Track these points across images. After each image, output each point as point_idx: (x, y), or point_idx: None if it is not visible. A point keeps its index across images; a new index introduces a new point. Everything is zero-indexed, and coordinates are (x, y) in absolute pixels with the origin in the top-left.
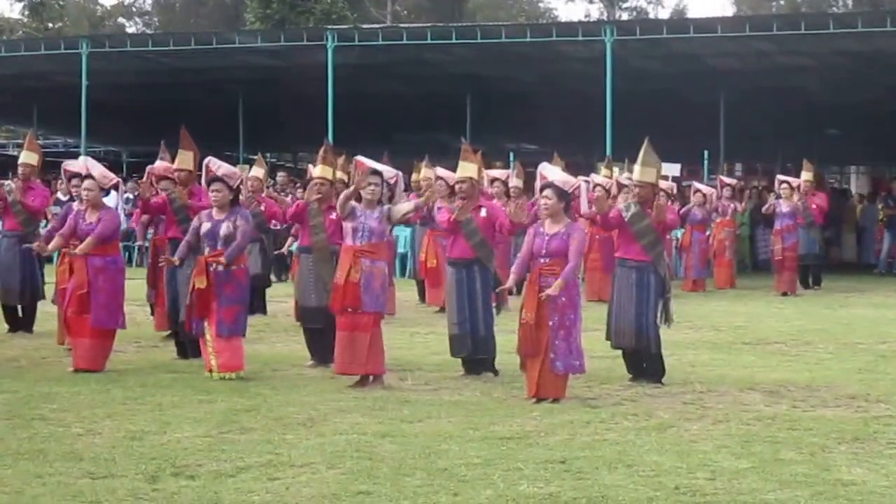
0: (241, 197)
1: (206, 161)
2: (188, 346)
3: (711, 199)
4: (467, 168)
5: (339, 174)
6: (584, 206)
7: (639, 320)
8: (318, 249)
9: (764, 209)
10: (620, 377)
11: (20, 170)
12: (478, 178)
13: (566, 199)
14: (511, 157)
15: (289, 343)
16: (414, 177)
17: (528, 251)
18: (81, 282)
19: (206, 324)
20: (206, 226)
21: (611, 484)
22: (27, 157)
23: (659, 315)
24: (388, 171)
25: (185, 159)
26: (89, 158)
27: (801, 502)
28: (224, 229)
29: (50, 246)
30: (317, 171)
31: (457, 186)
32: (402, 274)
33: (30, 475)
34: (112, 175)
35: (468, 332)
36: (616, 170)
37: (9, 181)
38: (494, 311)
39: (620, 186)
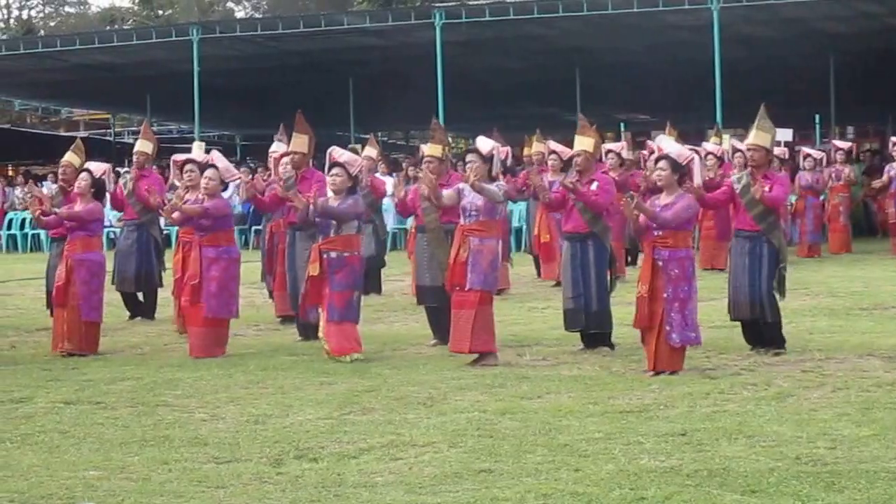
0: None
1: (329, 150)
2: (310, 328)
3: (822, 163)
4: (583, 142)
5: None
6: (697, 179)
7: (752, 290)
8: (430, 230)
9: (875, 183)
10: (738, 347)
11: (135, 158)
12: (593, 152)
13: (680, 170)
14: (622, 128)
15: (407, 322)
16: (525, 151)
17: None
18: (194, 272)
19: (319, 309)
20: None
21: (732, 455)
22: (142, 146)
23: (775, 285)
24: (483, 145)
25: (300, 142)
26: (214, 151)
27: None
28: None
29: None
30: (426, 149)
31: (574, 160)
32: (518, 248)
33: (156, 461)
34: (236, 171)
35: (581, 306)
36: (726, 137)
37: (126, 170)
38: (609, 285)
39: (734, 151)
